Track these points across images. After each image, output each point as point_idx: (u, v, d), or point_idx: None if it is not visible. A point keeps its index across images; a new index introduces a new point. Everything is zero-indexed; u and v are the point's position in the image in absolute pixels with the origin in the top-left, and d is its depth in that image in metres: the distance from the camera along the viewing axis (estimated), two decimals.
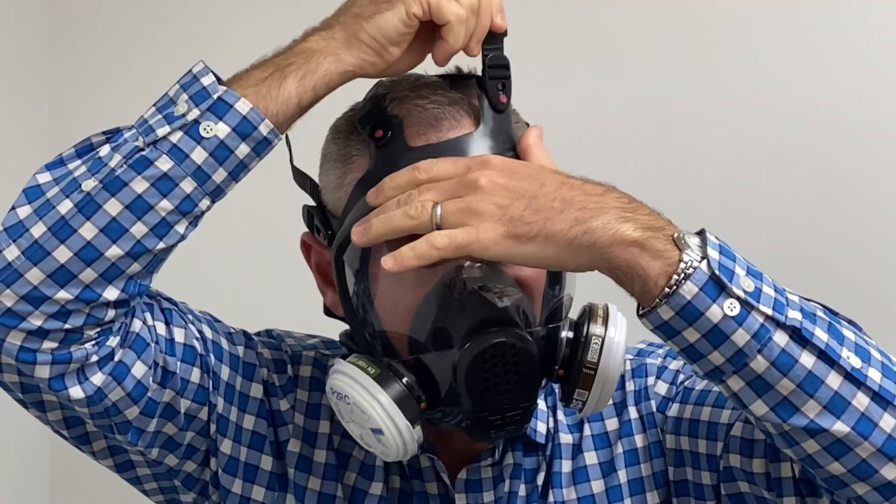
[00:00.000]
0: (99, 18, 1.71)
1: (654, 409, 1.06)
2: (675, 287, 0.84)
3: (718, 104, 1.61)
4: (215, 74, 0.92)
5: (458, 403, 0.94)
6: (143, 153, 0.89)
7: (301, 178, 1.06)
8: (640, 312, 0.87)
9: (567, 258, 0.87)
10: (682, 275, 0.84)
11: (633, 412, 1.07)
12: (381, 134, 0.97)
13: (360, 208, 0.95)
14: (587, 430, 1.08)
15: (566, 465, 1.06)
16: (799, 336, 0.84)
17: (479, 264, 0.93)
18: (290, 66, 0.92)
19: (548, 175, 0.89)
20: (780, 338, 0.84)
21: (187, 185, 0.89)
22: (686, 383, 1.06)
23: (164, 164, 0.88)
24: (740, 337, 0.84)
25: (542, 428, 1.07)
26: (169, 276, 1.00)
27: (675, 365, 1.09)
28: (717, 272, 0.84)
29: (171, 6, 1.70)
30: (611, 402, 1.06)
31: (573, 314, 1.00)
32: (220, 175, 0.91)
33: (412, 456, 0.96)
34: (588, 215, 0.86)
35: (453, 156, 0.94)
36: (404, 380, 0.94)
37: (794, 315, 0.85)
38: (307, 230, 1.07)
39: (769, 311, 0.84)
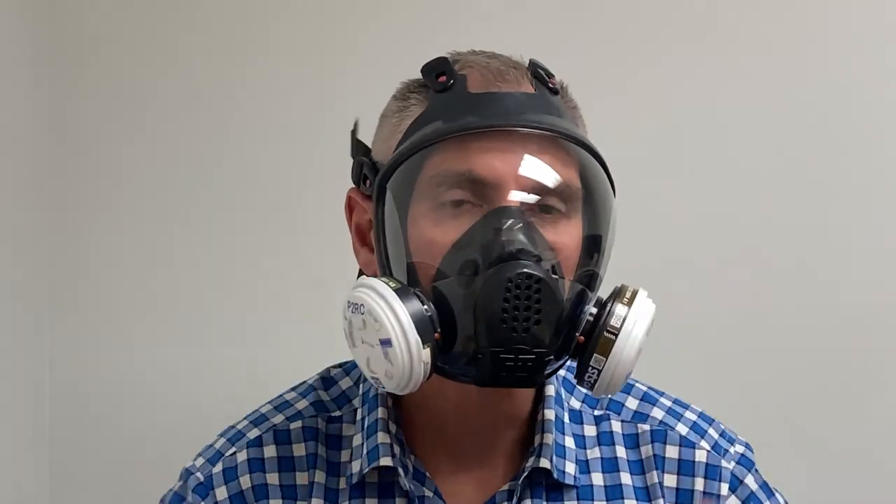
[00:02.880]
0: (100, 20, 1.71)
1: None
2: None
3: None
4: None
5: (473, 339, 0.94)
6: None
7: (356, 145, 1.07)
8: None
9: None
10: None
11: None
12: (444, 79, 1.00)
13: (412, 143, 0.98)
14: None
15: None
16: None
17: (520, 224, 0.95)
18: None
19: None
20: None
21: None
22: None
23: None
24: None
25: (570, 468, 1.06)
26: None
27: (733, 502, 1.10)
28: None
29: (173, 8, 1.70)
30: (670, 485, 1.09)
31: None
32: None
33: (415, 389, 0.95)
34: None
35: (513, 108, 0.98)
36: (425, 306, 0.95)
37: None
38: (353, 186, 1.08)
39: None
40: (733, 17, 1.62)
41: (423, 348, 0.93)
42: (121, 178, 1.70)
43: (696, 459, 1.09)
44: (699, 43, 1.62)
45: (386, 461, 1.03)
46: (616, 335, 0.96)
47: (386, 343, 0.93)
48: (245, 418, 1.14)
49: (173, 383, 1.68)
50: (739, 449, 1.12)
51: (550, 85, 1.02)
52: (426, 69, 1.02)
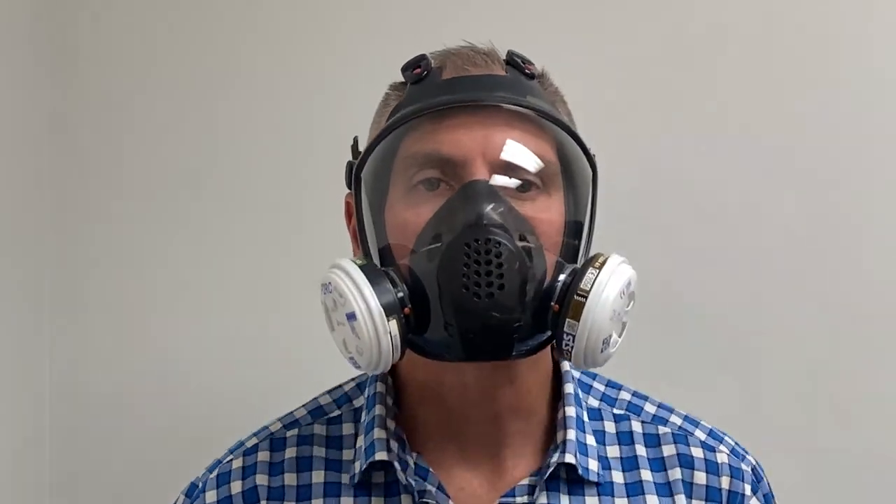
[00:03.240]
0: (101, 20, 1.71)
1: None
2: None
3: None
4: None
5: (441, 311, 0.94)
6: None
7: (354, 149, 1.09)
8: None
9: None
10: None
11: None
12: (418, 71, 1.02)
13: (381, 129, 1.00)
14: None
15: None
16: None
17: (488, 197, 0.95)
18: None
19: None
20: None
21: None
22: None
23: None
24: None
25: (593, 465, 1.06)
26: None
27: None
28: None
29: (173, 8, 1.70)
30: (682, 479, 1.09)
31: None
32: None
33: (387, 367, 0.96)
34: None
35: (483, 88, 0.99)
36: (395, 286, 0.96)
37: None
38: (349, 190, 1.09)
39: None
40: (737, 13, 1.62)
41: (389, 321, 0.94)
42: (121, 178, 1.70)
43: (719, 461, 1.10)
44: (702, 36, 1.63)
45: (381, 455, 1.03)
46: (585, 297, 0.96)
47: (351, 317, 0.94)
48: (251, 433, 1.15)
49: (173, 383, 1.68)
50: (752, 460, 1.13)
51: (527, 70, 1.03)
52: (405, 66, 1.04)
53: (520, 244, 0.94)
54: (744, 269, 1.62)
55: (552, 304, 0.97)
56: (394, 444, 1.05)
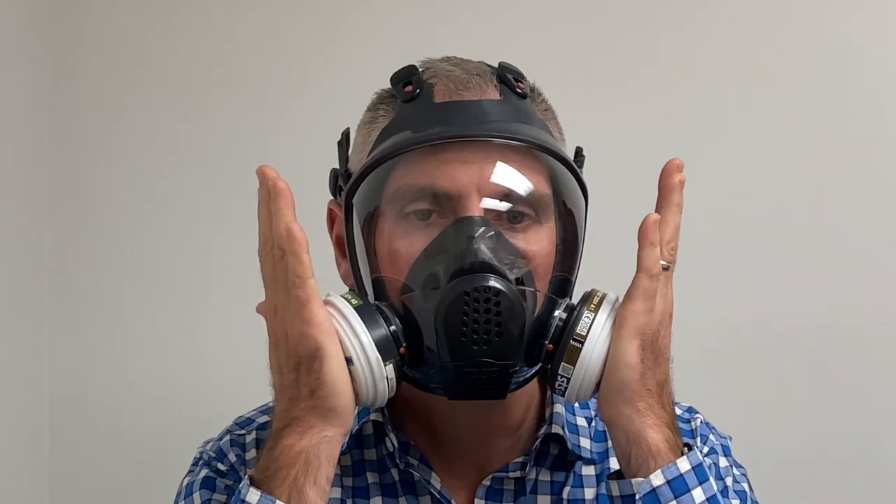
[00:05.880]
0: (100, 18, 1.71)
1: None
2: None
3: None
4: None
5: (437, 353, 0.94)
6: None
7: (342, 155, 1.07)
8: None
9: (628, 388, 0.93)
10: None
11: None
12: (410, 89, 1.00)
13: (374, 156, 0.98)
14: None
15: None
16: None
17: (482, 234, 0.94)
18: (297, 479, 0.92)
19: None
20: None
21: None
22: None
23: None
24: None
25: (586, 444, 1.06)
26: None
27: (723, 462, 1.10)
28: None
29: (174, 8, 1.70)
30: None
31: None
32: None
33: (383, 403, 0.95)
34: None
35: (476, 119, 0.97)
36: (390, 324, 0.95)
37: None
38: (332, 198, 1.08)
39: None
40: (733, 14, 1.63)
41: (385, 365, 0.93)
42: (121, 179, 1.70)
43: (693, 427, 1.11)
44: (699, 42, 1.63)
45: (376, 416, 1.04)
46: (582, 343, 0.95)
47: (348, 361, 0.93)
48: (255, 409, 1.15)
49: (173, 383, 1.68)
50: (719, 439, 1.13)
51: (518, 89, 1.01)
52: (394, 78, 1.02)
53: (515, 287, 0.93)
54: (743, 269, 1.62)
55: (546, 342, 0.96)
56: (385, 411, 1.05)
